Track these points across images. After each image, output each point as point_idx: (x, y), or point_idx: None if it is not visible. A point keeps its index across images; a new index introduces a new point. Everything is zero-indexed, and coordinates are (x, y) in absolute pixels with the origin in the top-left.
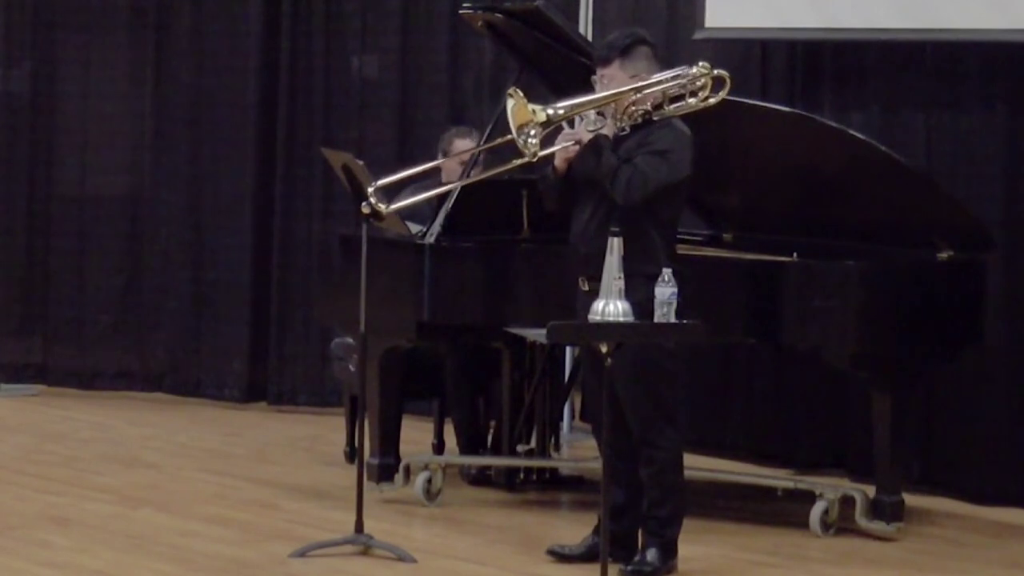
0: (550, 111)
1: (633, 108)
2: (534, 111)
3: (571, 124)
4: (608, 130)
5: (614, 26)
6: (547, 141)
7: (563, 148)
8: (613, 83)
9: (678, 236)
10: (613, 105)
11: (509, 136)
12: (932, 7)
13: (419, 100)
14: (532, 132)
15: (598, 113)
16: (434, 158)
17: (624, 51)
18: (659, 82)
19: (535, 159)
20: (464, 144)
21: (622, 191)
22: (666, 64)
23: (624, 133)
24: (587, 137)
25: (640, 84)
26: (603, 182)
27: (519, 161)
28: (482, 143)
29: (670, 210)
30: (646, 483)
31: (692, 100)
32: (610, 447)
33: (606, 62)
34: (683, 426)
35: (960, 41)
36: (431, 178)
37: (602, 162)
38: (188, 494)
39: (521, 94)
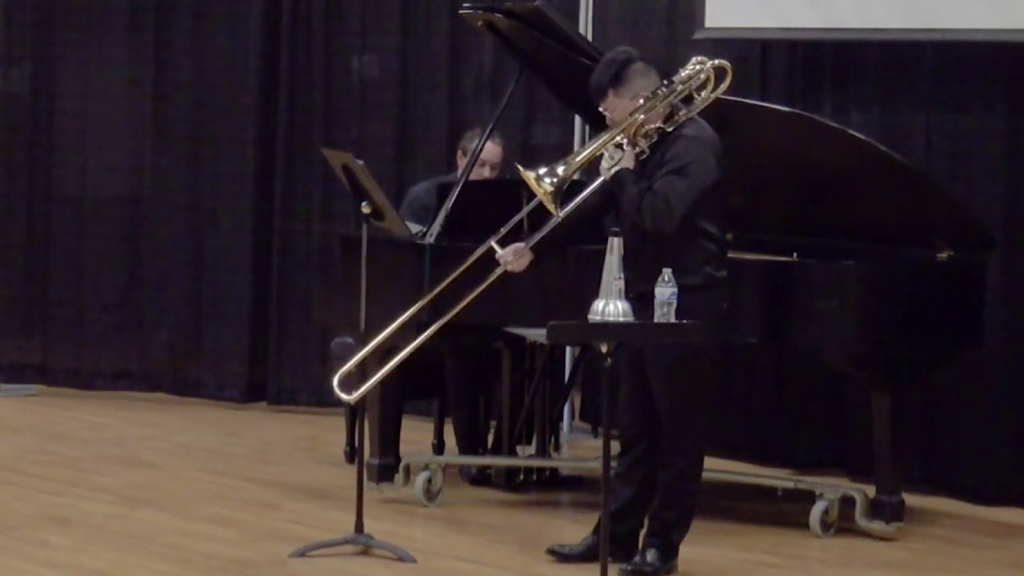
0: (555, 178)
1: (645, 128)
2: (539, 183)
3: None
4: (628, 160)
5: (614, 26)
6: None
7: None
8: (616, 112)
9: None
10: (622, 135)
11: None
12: (932, 7)
13: (419, 100)
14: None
15: (616, 145)
16: (434, 159)
17: (614, 80)
18: (660, 98)
19: (563, 218)
20: (492, 145)
21: (650, 222)
22: (663, 67)
23: (645, 156)
24: (608, 175)
25: (639, 107)
26: (630, 216)
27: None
28: (482, 141)
29: (703, 217)
30: (662, 484)
31: (699, 97)
32: (626, 446)
33: (601, 95)
34: (709, 436)
35: (960, 41)
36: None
37: (624, 197)
38: (188, 494)
39: (527, 173)
